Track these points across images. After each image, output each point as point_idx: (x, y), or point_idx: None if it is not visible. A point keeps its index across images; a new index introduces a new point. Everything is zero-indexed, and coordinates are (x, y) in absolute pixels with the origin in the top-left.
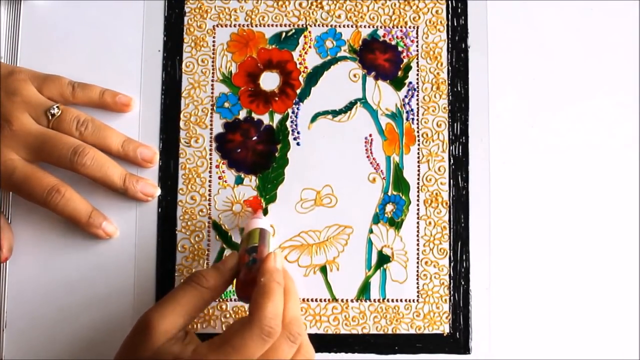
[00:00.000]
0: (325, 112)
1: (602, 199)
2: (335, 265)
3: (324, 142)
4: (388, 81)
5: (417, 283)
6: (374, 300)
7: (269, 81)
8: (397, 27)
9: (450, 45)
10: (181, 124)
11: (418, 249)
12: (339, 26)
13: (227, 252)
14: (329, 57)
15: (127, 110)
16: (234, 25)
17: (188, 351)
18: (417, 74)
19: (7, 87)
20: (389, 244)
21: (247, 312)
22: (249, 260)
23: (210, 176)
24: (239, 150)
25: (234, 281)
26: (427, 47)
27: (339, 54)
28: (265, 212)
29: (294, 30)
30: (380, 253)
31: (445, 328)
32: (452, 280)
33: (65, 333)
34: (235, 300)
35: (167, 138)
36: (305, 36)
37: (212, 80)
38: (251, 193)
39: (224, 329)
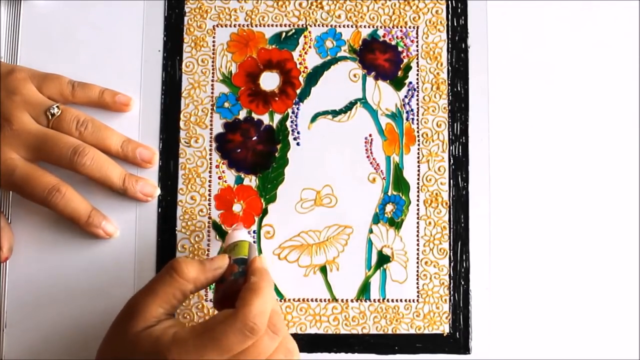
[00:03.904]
0: (325, 112)
1: (602, 198)
2: (335, 265)
3: (324, 142)
4: (388, 81)
5: (417, 283)
6: (374, 300)
7: (269, 81)
8: (397, 27)
9: (450, 45)
10: (181, 124)
11: (418, 249)
12: (339, 26)
13: None
14: (329, 57)
15: (126, 110)
16: (234, 25)
17: (169, 334)
18: (417, 74)
19: (7, 86)
20: (389, 244)
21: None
22: (238, 272)
23: (210, 176)
24: (239, 150)
25: (214, 288)
26: (427, 47)
27: (339, 54)
28: (266, 213)
29: (294, 30)
30: (380, 253)
31: (445, 328)
32: (452, 280)
33: (65, 333)
34: None
35: (167, 138)
36: (305, 36)
37: (212, 80)
38: (251, 193)
39: None
